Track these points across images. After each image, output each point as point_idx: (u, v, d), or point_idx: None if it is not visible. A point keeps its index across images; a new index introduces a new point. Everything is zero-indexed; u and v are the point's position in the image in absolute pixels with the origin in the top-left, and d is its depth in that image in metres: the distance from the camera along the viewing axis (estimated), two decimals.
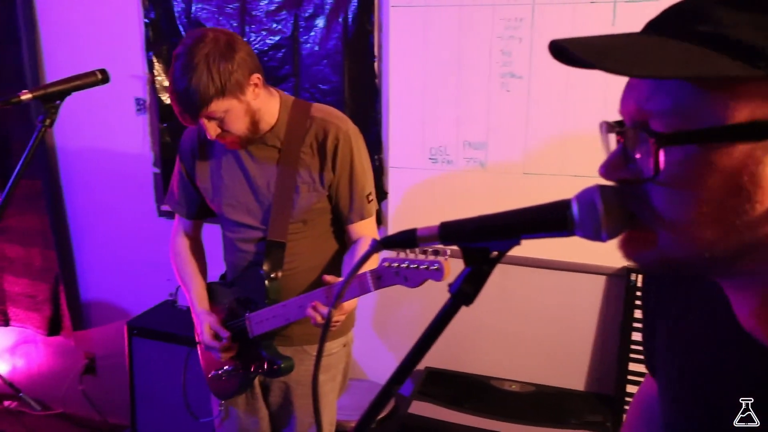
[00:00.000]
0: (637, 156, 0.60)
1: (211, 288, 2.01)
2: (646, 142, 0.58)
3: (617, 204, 0.61)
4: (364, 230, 1.88)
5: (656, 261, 0.63)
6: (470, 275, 0.68)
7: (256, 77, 1.69)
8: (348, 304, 1.75)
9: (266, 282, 1.81)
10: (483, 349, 2.58)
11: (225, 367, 1.92)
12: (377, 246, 0.72)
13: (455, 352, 2.57)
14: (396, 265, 1.50)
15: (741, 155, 0.55)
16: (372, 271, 1.55)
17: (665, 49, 0.57)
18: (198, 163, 1.92)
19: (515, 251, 0.69)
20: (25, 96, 1.42)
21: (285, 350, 1.90)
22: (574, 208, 0.62)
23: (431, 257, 1.43)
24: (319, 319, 1.66)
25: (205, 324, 1.89)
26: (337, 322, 1.77)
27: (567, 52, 0.57)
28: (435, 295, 2.56)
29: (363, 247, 1.83)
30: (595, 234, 0.62)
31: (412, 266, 1.43)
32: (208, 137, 1.70)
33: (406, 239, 0.70)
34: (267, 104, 1.77)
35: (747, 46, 0.53)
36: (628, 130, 0.61)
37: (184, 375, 2.31)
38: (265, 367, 1.84)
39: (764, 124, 0.54)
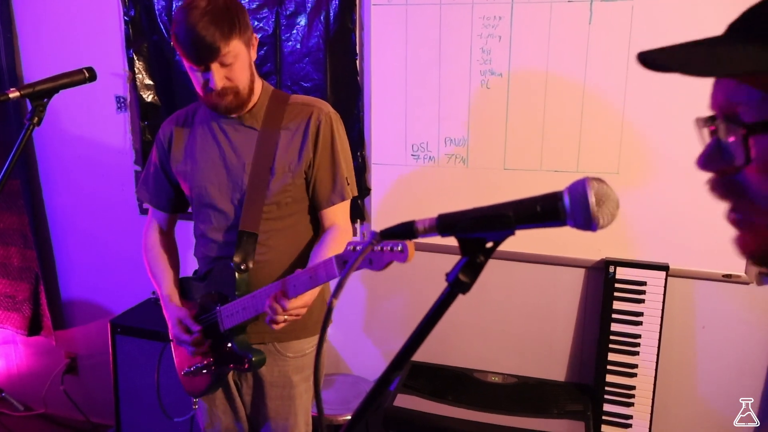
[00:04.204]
0: (731, 147, 0.63)
1: (183, 283, 1.99)
2: (737, 132, 0.61)
3: (606, 196, 0.64)
4: (339, 214, 1.88)
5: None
6: (467, 265, 0.71)
7: (255, 37, 1.78)
8: (309, 294, 1.69)
9: (236, 274, 1.80)
10: (465, 342, 2.62)
11: (197, 363, 1.90)
12: (376, 237, 0.74)
13: (438, 346, 2.61)
14: (361, 248, 1.48)
15: None
16: (337, 256, 1.55)
17: (744, 50, 0.59)
18: (174, 149, 1.92)
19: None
20: (13, 94, 1.42)
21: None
22: (566, 200, 0.65)
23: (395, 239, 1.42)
24: (279, 318, 1.64)
25: (175, 319, 1.87)
26: (298, 315, 1.72)
27: (653, 61, 0.60)
28: (418, 291, 2.61)
29: (334, 238, 1.82)
30: (586, 224, 0.65)
31: (376, 249, 1.40)
32: (214, 87, 1.69)
33: (405, 230, 0.72)
34: (255, 79, 1.83)
35: None
36: (720, 122, 0.64)
37: (157, 371, 2.28)
38: (237, 361, 1.82)
39: None
